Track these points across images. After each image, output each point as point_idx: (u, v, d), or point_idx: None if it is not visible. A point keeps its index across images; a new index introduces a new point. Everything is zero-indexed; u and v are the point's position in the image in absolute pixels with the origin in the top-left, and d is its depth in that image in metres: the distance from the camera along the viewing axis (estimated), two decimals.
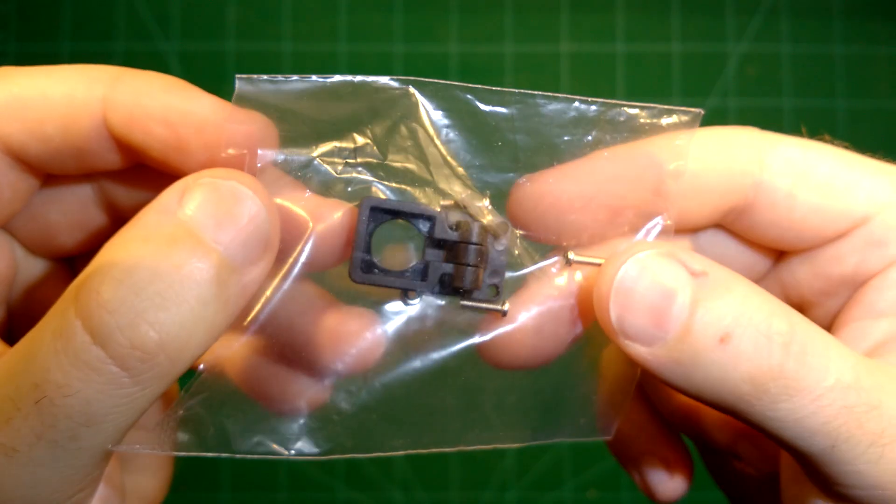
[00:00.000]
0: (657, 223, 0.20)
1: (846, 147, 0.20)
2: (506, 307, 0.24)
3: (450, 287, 0.24)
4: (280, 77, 0.24)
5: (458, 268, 0.23)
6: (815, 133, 0.72)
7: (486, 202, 0.24)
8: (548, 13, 0.75)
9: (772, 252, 0.20)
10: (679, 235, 0.21)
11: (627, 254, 0.17)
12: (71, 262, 0.29)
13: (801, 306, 0.20)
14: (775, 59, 0.74)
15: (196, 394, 0.22)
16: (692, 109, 0.22)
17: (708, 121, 0.73)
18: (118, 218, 0.27)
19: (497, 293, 0.24)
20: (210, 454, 0.22)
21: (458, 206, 0.24)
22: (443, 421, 0.23)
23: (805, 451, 0.16)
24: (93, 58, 0.81)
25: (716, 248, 0.21)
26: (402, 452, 0.23)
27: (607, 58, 0.75)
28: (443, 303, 0.25)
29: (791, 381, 0.15)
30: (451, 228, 0.24)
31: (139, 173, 0.26)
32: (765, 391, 0.15)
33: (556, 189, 0.22)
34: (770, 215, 0.19)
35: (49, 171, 0.25)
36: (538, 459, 0.72)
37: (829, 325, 0.20)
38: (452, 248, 0.24)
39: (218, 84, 0.74)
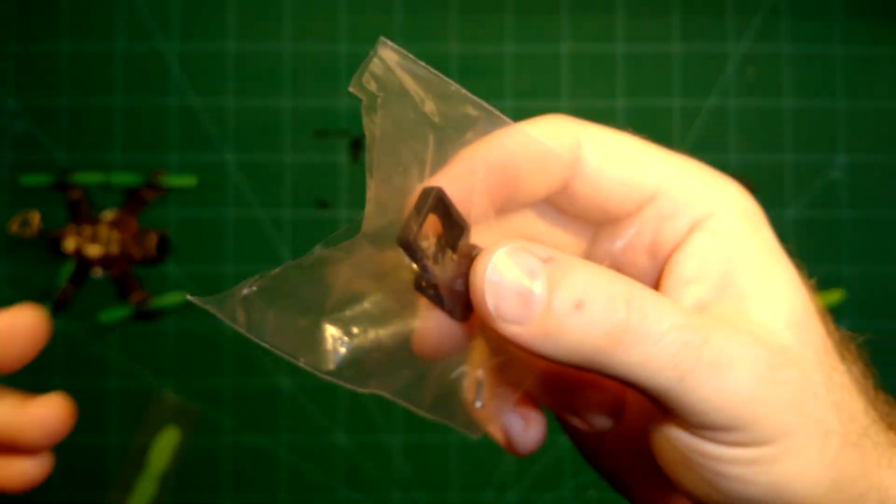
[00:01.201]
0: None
1: (645, 138, 0.23)
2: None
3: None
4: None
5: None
6: (819, 133, 0.72)
7: None
8: (548, 13, 0.75)
9: (591, 224, 0.24)
10: (517, 211, 0.24)
11: (490, 253, 0.20)
12: None
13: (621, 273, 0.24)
14: (775, 59, 0.74)
15: (258, 282, 0.23)
16: None
17: (708, 121, 0.73)
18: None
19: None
20: (248, 335, 0.23)
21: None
22: (404, 382, 0.25)
23: (658, 387, 0.19)
24: (93, 58, 0.82)
25: (545, 220, 0.24)
26: (370, 390, 0.24)
27: (607, 58, 0.75)
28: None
29: (637, 330, 0.19)
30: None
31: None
32: (618, 342, 0.19)
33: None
34: (583, 188, 0.22)
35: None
36: (538, 460, 0.72)
37: (649, 283, 0.23)
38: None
39: (218, 84, 0.74)
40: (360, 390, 0.24)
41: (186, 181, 0.73)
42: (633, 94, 0.74)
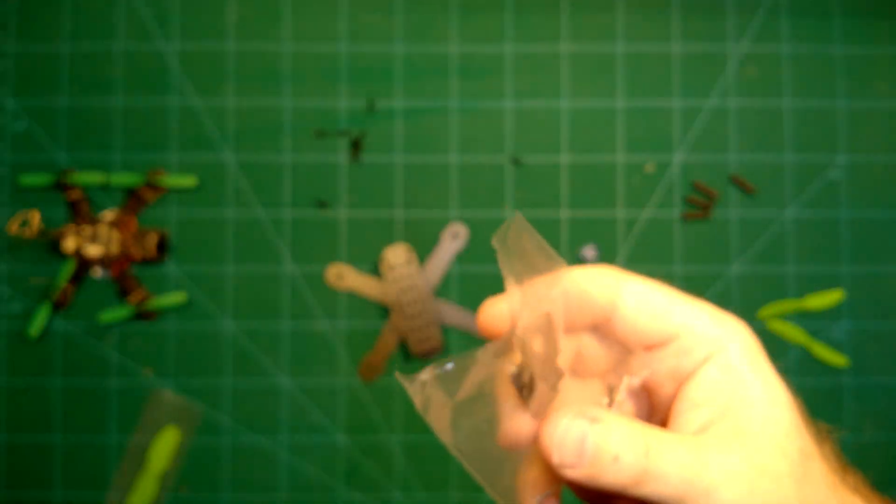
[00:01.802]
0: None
1: (674, 288, 0.31)
2: None
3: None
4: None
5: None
6: (819, 133, 0.72)
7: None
8: (548, 13, 0.75)
9: (630, 348, 0.31)
10: (568, 335, 0.31)
11: (556, 417, 0.28)
12: None
13: (648, 390, 0.31)
14: (775, 59, 0.74)
15: (431, 372, 0.30)
16: None
17: (708, 121, 0.73)
18: None
19: None
20: (420, 412, 0.30)
21: None
22: (492, 466, 0.32)
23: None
24: (93, 58, 0.82)
25: (595, 340, 0.32)
26: (475, 469, 0.31)
27: (607, 58, 0.75)
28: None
29: (651, 474, 0.27)
30: None
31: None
32: (639, 481, 0.27)
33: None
34: (621, 326, 0.30)
35: None
36: None
37: (668, 407, 0.31)
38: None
39: (218, 84, 0.74)
40: (468, 467, 0.31)
41: (186, 181, 0.73)
42: (633, 94, 0.74)
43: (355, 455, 0.73)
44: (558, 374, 0.30)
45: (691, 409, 0.29)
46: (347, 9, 0.75)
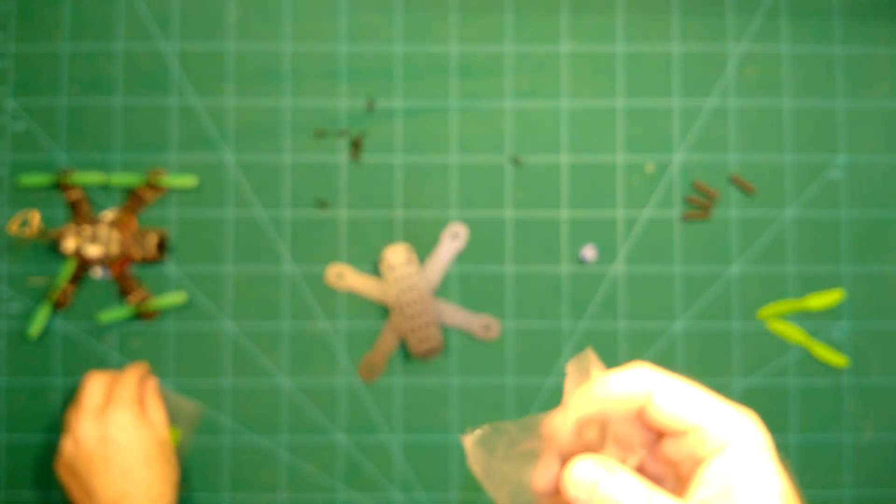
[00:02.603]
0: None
1: (700, 386, 0.36)
2: None
3: None
4: None
5: None
6: (819, 133, 0.72)
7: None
8: (548, 13, 0.75)
9: (657, 434, 0.37)
10: (617, 420, 0.37)
11: (573, 465, 0.34)
12: None
13: (673, 466, 0.36)
14: (775, 59, 0.74)
15: (484, 429, 0.37)
16: None
17: (708, 121, 0.73)
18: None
19: None
20: (469, 460, 0.37)
21: None
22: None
23: None
24: (93, 58, 0.81)
25: (630, 427, 0.37)
26: None
27: (607, 58, 0.75)
28: None
29: None
30: None
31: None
32: None
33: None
34: (652, 416, 0.36)
35: None
36: None
37: (686, 481, 0.35)
38: None
39: (218, 84, 0.74)
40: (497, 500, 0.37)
41: (186, 181, 0.73)
42: (633, 94, 0.74)
43: (355, 455, 0.73)
44: (603, 438, 0.37)
45: (700, 486, 0.34)
46: (347, 9, 0.75)
